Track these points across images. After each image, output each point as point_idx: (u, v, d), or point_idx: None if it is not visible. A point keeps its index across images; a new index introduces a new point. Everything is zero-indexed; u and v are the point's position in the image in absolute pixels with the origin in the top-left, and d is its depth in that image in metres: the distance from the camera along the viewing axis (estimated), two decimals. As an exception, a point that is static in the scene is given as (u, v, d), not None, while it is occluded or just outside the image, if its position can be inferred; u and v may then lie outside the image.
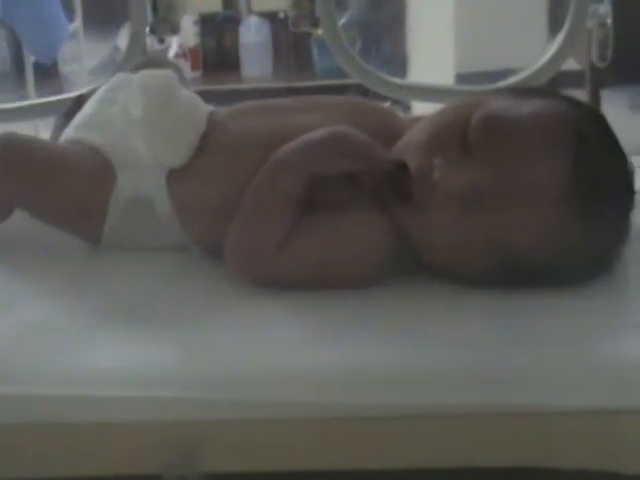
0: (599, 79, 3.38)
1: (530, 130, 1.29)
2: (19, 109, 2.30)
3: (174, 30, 2.09)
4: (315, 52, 5.22)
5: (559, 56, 2.05)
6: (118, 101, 1.55)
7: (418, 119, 1.44)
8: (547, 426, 1.17)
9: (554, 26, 4.39)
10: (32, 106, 2.36)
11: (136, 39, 2.05)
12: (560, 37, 2.04)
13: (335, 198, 1.34)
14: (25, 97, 3.76)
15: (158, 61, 1.80)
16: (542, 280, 1.30)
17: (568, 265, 1.30)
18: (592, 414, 1.15)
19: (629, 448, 1.17)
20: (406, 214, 1.30)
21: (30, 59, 4.27)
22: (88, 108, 1.58)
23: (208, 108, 1.54)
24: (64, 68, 4.50)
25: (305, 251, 1.30)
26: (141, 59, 1.98)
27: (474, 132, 1.28)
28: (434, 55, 4.56)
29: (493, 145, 1.27)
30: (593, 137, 1.32)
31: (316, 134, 1.31)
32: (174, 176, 1.45)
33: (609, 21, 1.99)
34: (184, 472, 1.17)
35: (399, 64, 4.79)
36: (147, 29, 2.05)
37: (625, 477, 1.16)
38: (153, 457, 1.17)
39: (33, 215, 1.49)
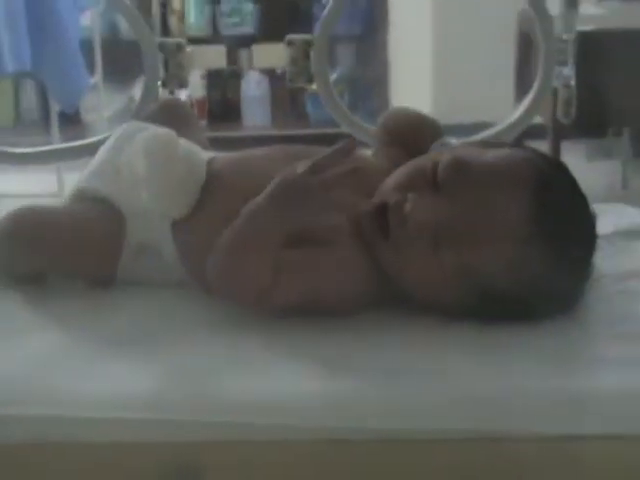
0: (560, 132, 3.37)
1: (494, 171, 1.28)
2: (45, 153, 2.28)
3: (183, 85, 2.09)
4: (309, 104, 5.20)
5: (529, 112, 2.06)
6: (125, 151, 1.52)
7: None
8: (520, 452, 1.16)
9: (520, 83, 4.42)
10: (56, 150, 2.33)
11: (149, 92, 2.05)
12: (530, 96, 2.05)
13: (319, 234, 1.32)
14: (50, 142, 3.74)
15: (175, 104, 1.83)
16: (511, 313, 1.28)
17: (533, 299, 1.28)
18: (563, 439, 1.14)
19: (596, 470, 1.16)
20: (384, 248, 1.29)
21: (55, 108, 4.29)
22: (99, 156, 1.57)
23: (207, 155, 1.52)
24: (85, 116, 4.50)
25: (292, 290, 1.28)
26: (161, 100, 1.98)
27: (442, 171, 1.27)
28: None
29: (460, 183, 1.26)
30: (554, 179, 1.32)
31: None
32: (178, 224, 1.44)
33: (572, 82, 1.99)
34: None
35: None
36: (159, 83, 2.05)
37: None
38: (152, 476, 1.15)
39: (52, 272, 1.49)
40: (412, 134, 1.50)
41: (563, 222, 1.30)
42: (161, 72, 2.05)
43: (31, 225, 1.46)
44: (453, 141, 1.50)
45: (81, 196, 1.52)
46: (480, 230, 1.25)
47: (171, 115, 1.71)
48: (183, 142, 1.50)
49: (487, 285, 1.27)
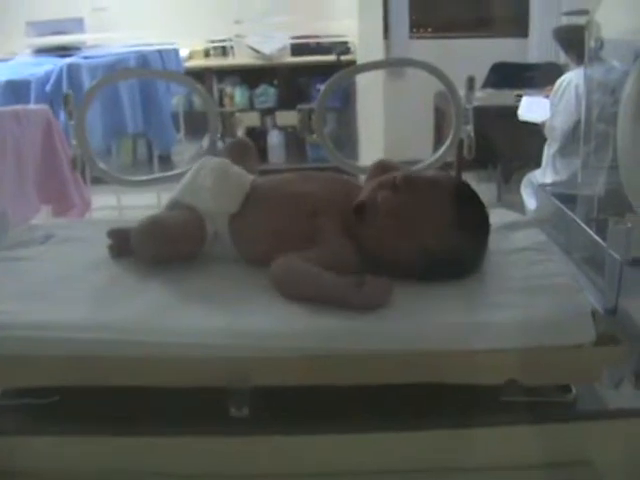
0: (461, 166, 3.37)
1: (430, 181, 1.29)
2: (150, 180, 2.24)
3: (233, 137, 2.07)
4: (308, 149, 5.13)
5: (446, 152, 2.06)
6: (202, 175, 1.49)
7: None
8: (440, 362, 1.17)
9: (436, 136, 4.41)
10: (156, 178, 2.28)
11: (212, 141, 2.02)
12: (447, 142, 2.05)
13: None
14: (152, 173, 3.69)
15: (241, 142, 1.80)
16: (438, 274, 1.27)
17: (451, 265, 1.27)
18: (468, 353, 1.15)
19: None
20: (363, 229, 1.29)
21: (156, 153, 4.29)
22: (185, 179, 1.52)
23: (251, 177, 1.51)
24: (174, 158, 4.48)
25: None
26: (235, 139, 1.95)
27: (399, 179, 1.28)
28: (373, 151, 4.51)
29: (410, 186, 1.27)
30: (465, 190, 1.33)
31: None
32: (231, 219, 1.41)
33: (472, 134, 1.98)
34: (239, 385, 1.14)
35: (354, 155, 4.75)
36: (218, 136, 2.02)
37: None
38: (222, 375, 1.14)
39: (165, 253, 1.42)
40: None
41: (471, 216, 1.30)
42: (220, 129, 2.03)
43: (152, 227, 1.39)
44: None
45: (174, 204, 1.48)
46: (420, 214, 1.25)
47: (238, 149, 1.70)
48: (233, 166, 1.52)
49: (424, 249, 1.25)
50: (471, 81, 1.96)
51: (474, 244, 1.31)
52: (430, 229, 1.25)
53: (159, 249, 1.38)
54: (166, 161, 4.39)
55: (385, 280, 1.21)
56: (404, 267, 1.27)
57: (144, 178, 2.19)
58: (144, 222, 1.40)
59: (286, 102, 5.05)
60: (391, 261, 1.27)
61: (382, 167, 1.49)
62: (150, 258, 1.40)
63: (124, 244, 1.45)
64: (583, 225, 1.58)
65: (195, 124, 4.27)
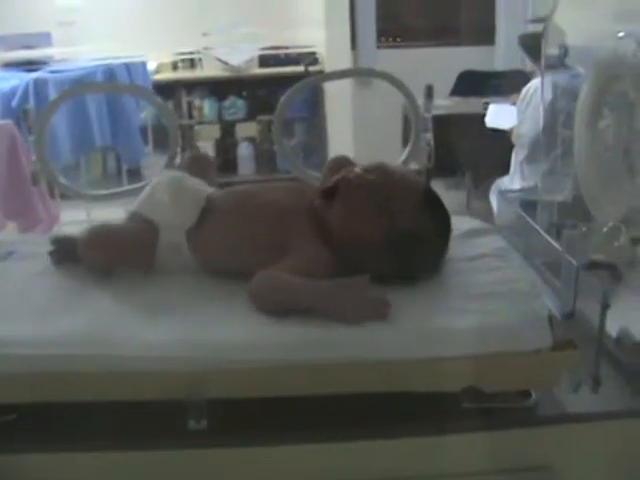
0: (429, 173, 3.36)
1: (398, 168, 1.39)
2: (119, 193, 2.22)
3: (194, 149, 2.06)
4: (278, 160, 5.10)
5: (407, 160, 2.07)
6: (159, 189, 1.50)
7: None
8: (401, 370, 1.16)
9: (405, 143, 4.41)
10: (126, 191, 2.26)
11: (173, 155, 2.02)
12: (405, 151, 2.06)
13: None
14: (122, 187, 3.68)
15: (199, 156, 1.83)
16: (402, 261, 1.28)
17: (415, 251, 1.29)
18: (431, 360, 1.15)
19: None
20: (332, 213, 1.30)
21: (125, 167, 4.28)
22: (145, 192, 1.52)
23: (209, 190, 1.51)
24: (143, 171, 4.45)
25: None
26: (192, 153, 1.95)
27: (369, 165, 1.32)
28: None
29: (382, 170, 1.31)
30: (432, 196, 1.35)
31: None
32: (190, 231, 1.40)
33: (432, 143, 1.98)
34: (197, 397, 1.13)
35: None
36: (179, 149, 2.01)
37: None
38: (179, 388, 1.13)
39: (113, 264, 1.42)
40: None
41: (435, 203, 1.34)
42: (180, 143, 2.02)
43: (101, 235, 1.42)
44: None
45: (132, 216, 1.47)
46: (391, 193, 1.28)
47: (197, 163, 1.71)
48: (190, 179, 1.53)
49: (391, 228, 1.26)
50: (429, 90, 1.97)
51: (436, 230, 1.33)
52: (398, 208, 1.27)
53: (105, 257, 1.40)
54: (135, 174, 4.36)
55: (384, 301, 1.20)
56: (371, 253, 1.27)
57: (105, 192, 2.18)
58: (91, 230, 1.42)
59: (255, 113, 5.03)
60: (358, 243, 1.27)
61: (339, 164, 1.49)
62: (97, 266, 1.41)
63: (68, 251, 1.46)
64: (541, 231, 1.59)
65: (164, 137, 4.24)
